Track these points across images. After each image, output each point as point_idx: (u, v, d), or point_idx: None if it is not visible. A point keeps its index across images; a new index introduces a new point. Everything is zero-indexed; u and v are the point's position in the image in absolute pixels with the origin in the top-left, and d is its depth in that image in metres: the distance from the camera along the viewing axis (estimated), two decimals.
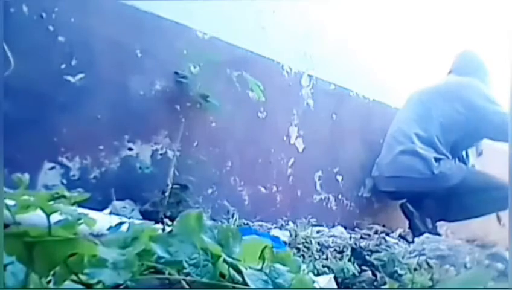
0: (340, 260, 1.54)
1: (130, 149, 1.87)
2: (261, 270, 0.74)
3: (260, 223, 2.09)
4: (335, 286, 1.23)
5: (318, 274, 1.33)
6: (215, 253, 0.72)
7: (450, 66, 2.87)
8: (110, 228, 0.86)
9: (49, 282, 0.63)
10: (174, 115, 1.98)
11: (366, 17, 2.89)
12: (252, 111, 2.27)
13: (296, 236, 1.71)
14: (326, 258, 1.57)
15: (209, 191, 2.09)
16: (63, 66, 1.69)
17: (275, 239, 1.40)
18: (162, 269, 0.69)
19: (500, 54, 2.94)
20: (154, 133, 1.94)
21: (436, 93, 2.69)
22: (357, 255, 1.58)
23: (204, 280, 0.69)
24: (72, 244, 0.61)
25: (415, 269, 1.41)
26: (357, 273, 1.43)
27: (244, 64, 2.17)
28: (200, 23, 2.06)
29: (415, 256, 1.53)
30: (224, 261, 0.72)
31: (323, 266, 1.43)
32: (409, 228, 2.61)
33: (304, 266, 1.28)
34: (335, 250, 1.66)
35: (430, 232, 2.04)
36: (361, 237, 2.06)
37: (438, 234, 2.36)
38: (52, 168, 1.67)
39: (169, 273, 0.70)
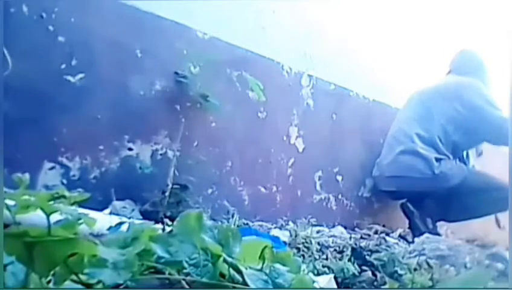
0: (340, 260, 1.54)
1: (130, 149, 1.87)
2: (261, 270, 0.74)
3: (260, 223, 2.09)
4: (335, 286, 1.23)
5: (318, 274, 1.33)
6: (215, 253, 0.72)
7: (449, 66, 2.88)
8: (110, 228, 0.86)
9: (49, 282, 0.63)
10: (174, 115, 1.98)
11: (366, 17, 2.89)
12: (252, 111, 2.27)
13: (296, 236, 1.71)
14: (326, 258, 1.57)
15: (209, 191, 2.09)
16: (63, 66, 1.69)
17: (275, 239, 1.40)
18: (162, 269, 0.69)
19: (500, 54, 2.94)
20: (154, 133, 1.94)
21: (436, 93, 2.69)
22: (357, 255, 1.58)
23: (204, 280, 0.69)
24: (72, 244, 0.61)
25: (415, 269, 1.41)
26: (357, 273, 1.43)
27: (244, 64, 2.17)
28: (200, 23, 2.06)
29: (415, 256, 1.53)
30: (224, 261, 0.72)
31: (323, 266, 1.43)
32: (409, 228, 2.61)
33: (304, 266, 1.29)
34: (335, 250, 1.66)
35: (430, 232, 2.04)
36: (361, 237, 2.06)
37: (438, 234, 2.36)
38: (52, 168, 1.67)
39: (169, 273, 0.70)
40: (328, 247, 1.67)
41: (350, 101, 2.75)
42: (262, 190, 2.31)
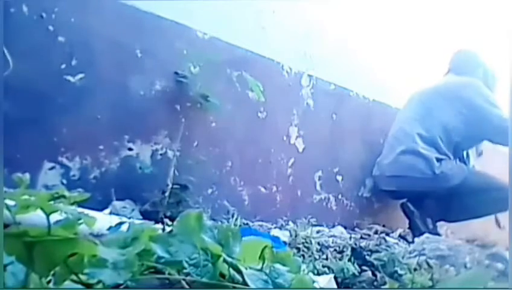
0: (340, 260, 1.54)
1: (130, 149, 1.87)
2: (261, 270, 0.74)
3: (260, 223, 2.09)
4: (335, 286, 1.23)
5: (318, 274, 1.33)
6: (215, 253, 0.72)
7: (448, 66, 2.88)
8: (110, 228, 0.86)
9: (49, 282, 0.63)
10: (174, 115, 1.98)
11: (366, 17, 2.89)
12: (252, 111, 2.27)
13: (296, 236, 1.71)
14: (326, 258, 1.57)
15: (209, 191, 2.09)
16: (63, 66, 1.69)
17: (275, 239, 1.40)
18: (162, 269, 0.69)
19: (500, 54, 2.94)
20: (154, 133, 1.94)
21: (436, 94, 2.70)
22: (357, 255, 1.58)
23: (204, 280, 0.69)
24: (72, 244, 0.61)
25: (415, 269, 1.41)
26: (357, 273, 1.43)
27: (244, 64, 2.17)
28: (200, 23, 2.06)
29: (415, 256, 1.53)
30: (224, 261, 0.72)
31: (323, 266, 1.43)
32: (409, 227, 2.61)
33: (304, 266, 1.29)
34: (335, 250, 1.66)
35: (430, 232, 2.04)
36: (361, 237, 2.06)
37: (438, 234, 2.36)
38: (52, 168, 1.67)
39: (169, 273, 0.70)
40: (328, 247, 1.67)
41: (350, 101, 2.75)
42: (262, 190, 2.31)
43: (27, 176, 0.67)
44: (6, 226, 0.61)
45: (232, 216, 2.01)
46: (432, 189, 2.53)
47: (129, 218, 1.41)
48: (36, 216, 0.63)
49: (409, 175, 2.57)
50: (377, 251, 1.62)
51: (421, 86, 2.81)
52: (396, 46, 3.07)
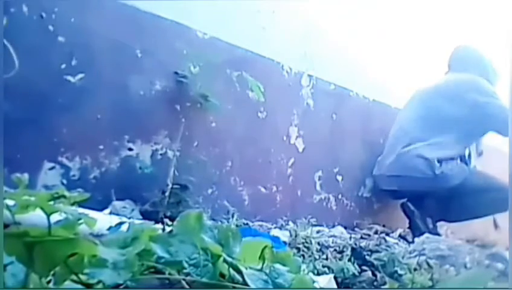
0: (340, 260, 1.54)
1: (130, 149, 1.87)
2: (261, 270, 0.74)
3: (260, 223, 2.09)
4: (335, 286, 1.23)
5: (318, 274, 1.33)
6: (215, 253, 0.72)
7: (447, 64, 2.87)
8: (110, 228, 0.86)
9: (49, 282, 0.63)
10: (174, 115, 1.98)
11: (366, 17, 2.89)
12: (252, 111, 2.27)
13: (296, 236, 1.71)
14: (326, 258, 1.57)
15: (209, 191, 2.09)
16: (63, 66, 1.69)
17: (275, 239, 1.40)
18: (162, 269, 0.69)
19: (500, 53, 2.94)
20: (154, 133, 1.94)
21: (436, 93, 2.69)
22: (357, 255, 1.58)
23: (204, 280, 0.69)
24: (72, 244, 0.61)
25: (415, 269, 1.41)
26: (357, 273, 1.43)
27: (244, 64, 2.17)
28: (200, 23, 2.06)
29: (415, 256, 1.53)
30: (224, 261, 0.72)
31: (323, 266, 1.43)
32: (409, 227, 2.61)
33: (304, 266, 1.29)
34: (335, 250, 1.66)
35: (430, 232, 2.04)
36: (361, 237, 2.06)
37: (438, 234, 2.36)
38: (52, 168, 1.67)
39: (169, 273, 0.70)
40: (328, 247, 1.67)
41: (350, 101, 2.75)
42: (262, 190, 2.31)
43: (26, 176, 0.67)
44: (6, 226, 0.61)
45: (232, 216, 2.01)
46: (432, 189, 2.53)
47: (129, 218, 1.41)
48: (36, 216, 0.63)
49: (409, 175, 2.57)
50: (377, 251, 1.62)
51: (421, 85, 2.81)
52: (396, 46, 3.07)
